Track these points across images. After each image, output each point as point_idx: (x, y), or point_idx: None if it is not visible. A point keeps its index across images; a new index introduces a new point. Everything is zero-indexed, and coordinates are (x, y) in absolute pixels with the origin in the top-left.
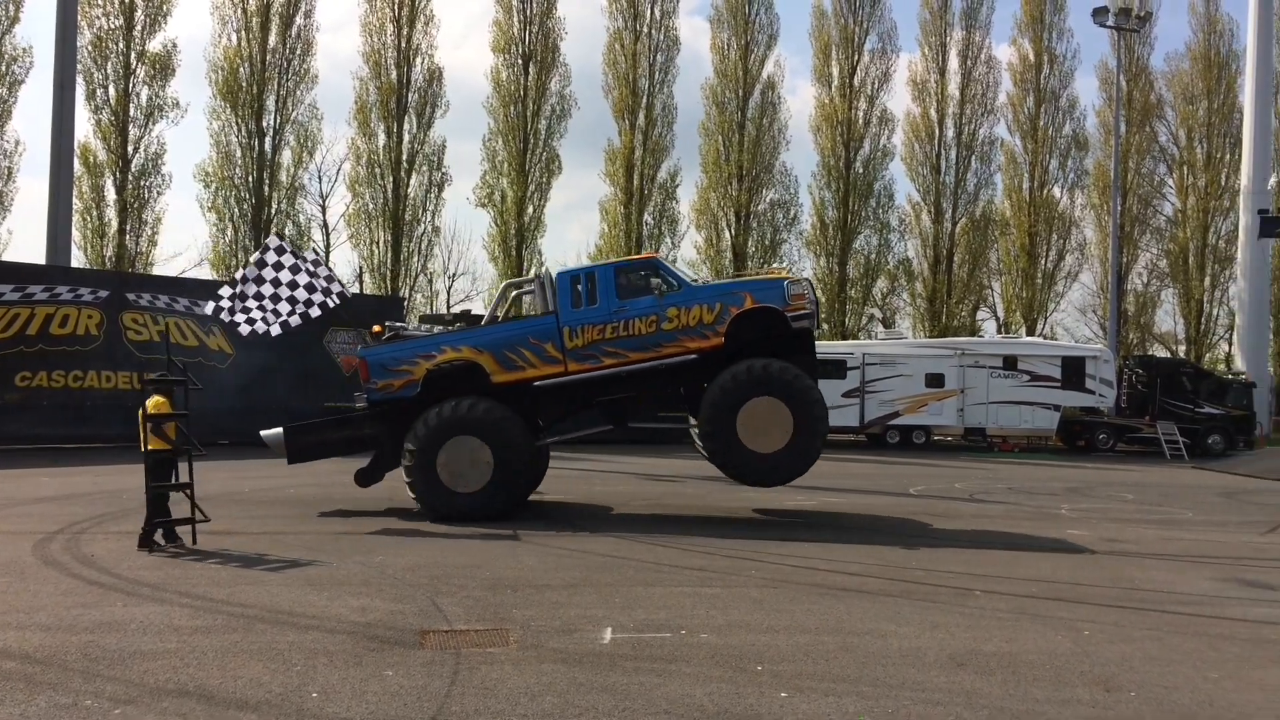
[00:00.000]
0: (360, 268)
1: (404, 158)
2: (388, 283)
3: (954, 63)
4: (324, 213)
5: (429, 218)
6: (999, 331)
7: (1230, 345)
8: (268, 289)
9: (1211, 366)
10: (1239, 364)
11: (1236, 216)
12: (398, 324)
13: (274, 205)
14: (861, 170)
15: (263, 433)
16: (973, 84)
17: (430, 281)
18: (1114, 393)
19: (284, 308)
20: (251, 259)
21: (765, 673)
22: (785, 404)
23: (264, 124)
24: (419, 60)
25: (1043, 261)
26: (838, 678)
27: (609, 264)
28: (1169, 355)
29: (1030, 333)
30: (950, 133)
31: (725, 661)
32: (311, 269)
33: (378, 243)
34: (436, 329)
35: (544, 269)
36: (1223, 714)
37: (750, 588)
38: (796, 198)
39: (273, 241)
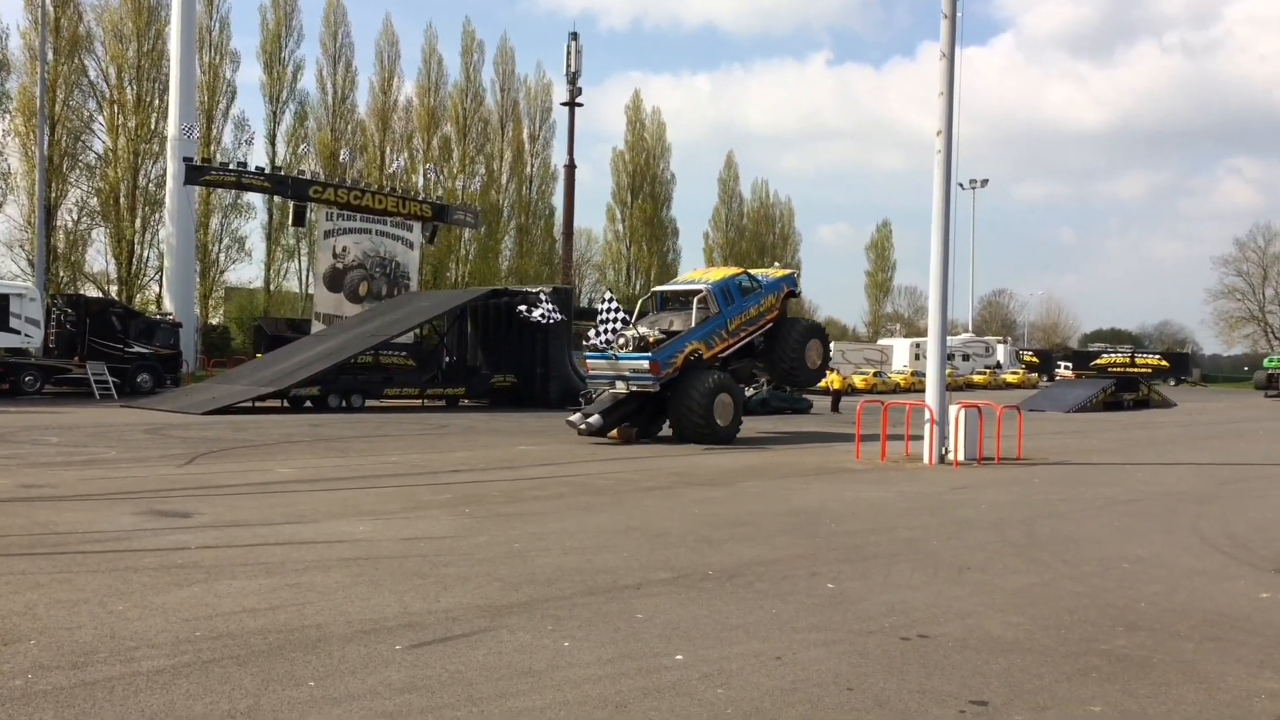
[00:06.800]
0: None
1: None
2: None
3: None
4: None
5: None
6: None
7: (161, 286)
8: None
9: (143, 307)
10: (168, 305)
11: (166, 162)
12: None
13: None
14: None
15: (575, 419)
16: None
17: None
18: (42, 332)
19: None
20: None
21: None
22: (819, 341)
23: None
24: None
25: None
26: None
27: (730, 278)
28: (101, 295)
29: None
30: None
31: None
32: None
33: None
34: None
35: (706, 286)
36: (122, 643)
37: None
38: None
39: (606, 295)
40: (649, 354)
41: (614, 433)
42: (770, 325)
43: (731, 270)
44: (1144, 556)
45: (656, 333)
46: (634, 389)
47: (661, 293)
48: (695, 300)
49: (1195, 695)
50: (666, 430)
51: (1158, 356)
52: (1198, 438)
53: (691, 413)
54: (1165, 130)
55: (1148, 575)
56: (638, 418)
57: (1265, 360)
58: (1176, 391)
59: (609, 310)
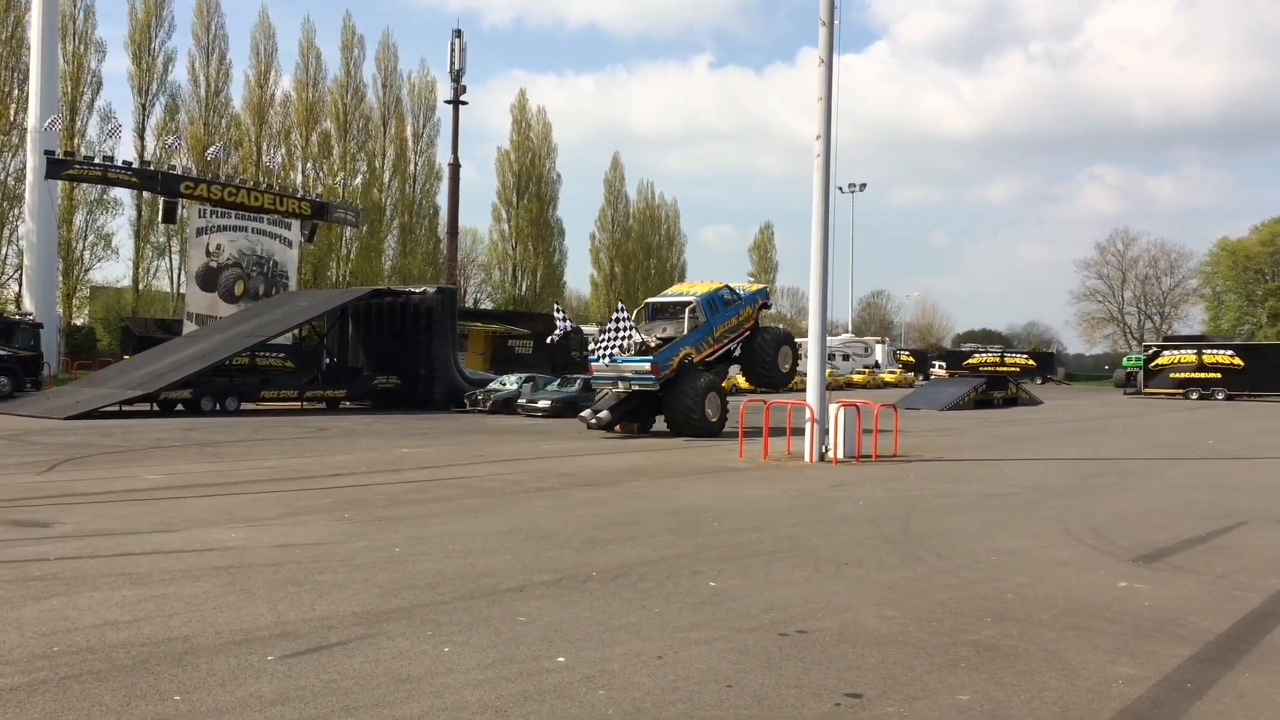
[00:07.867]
0: None
1: None
2: None
3: None
4: None
5: None
6: None
7: (20, 286)
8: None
9: (1, 307)
10: (28, 305)
11: (26, 155)
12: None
13: None
14: None
15: (587, 414)
16: None
17: None
18: None
19: (609, 348)
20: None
21: None
22: (790, 348)
23: None
24: None
25: None
26: None
27: (715, 291)
28: None
29: None
30: None
31: None
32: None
33: None
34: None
35: (696, 298)
36: None
37: None
38: None
39: (619, 308)
40: (650, 357)
41: (618, 427)
42: (747, 334)
43: (715, 284)
44: (1012, 549)
45: (654, 339)
46: (635, 388)
47: (654, 304)
48: (686, 310)
49: (1058, 682)
50: (660, 425)
51: (1026, 356)
52: (1063, 434)
53: (687, 410)
54: (1031, 138)
55: (1015, 567)
56: (637, 414)
57: (1125, 359)
58: (1043, 390)
59: (622, 323)
